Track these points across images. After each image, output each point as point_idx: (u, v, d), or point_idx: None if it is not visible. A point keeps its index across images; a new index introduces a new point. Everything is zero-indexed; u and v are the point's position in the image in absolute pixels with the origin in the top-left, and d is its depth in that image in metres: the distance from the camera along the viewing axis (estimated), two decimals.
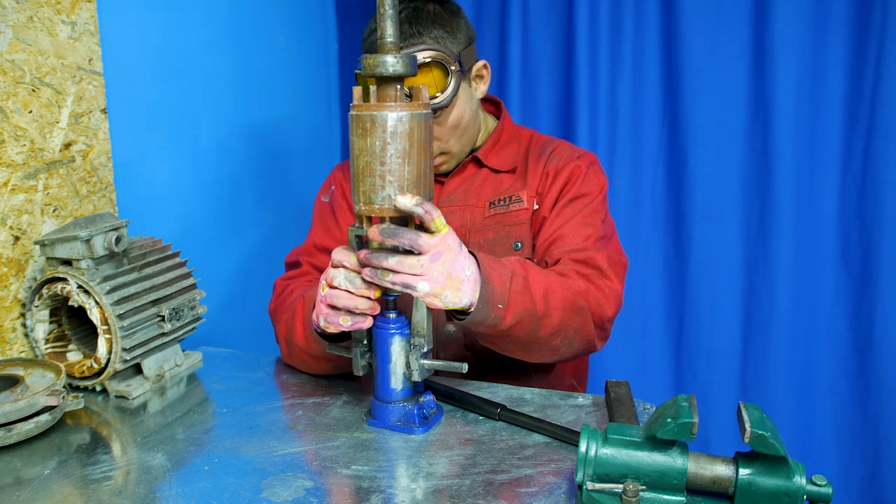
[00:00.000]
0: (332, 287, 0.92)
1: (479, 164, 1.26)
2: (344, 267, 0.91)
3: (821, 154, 1.71)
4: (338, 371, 1.13)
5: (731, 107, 1.75)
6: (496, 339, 1.01)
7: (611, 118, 1.86)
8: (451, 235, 0.89)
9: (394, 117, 0.84)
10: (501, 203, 1.22)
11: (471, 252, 0.95)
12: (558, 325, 1.00)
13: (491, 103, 1.35)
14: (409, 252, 0.87)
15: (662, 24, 1.79)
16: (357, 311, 0.91)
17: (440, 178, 1.27)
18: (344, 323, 0.92)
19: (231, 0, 1.60)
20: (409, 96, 0.95)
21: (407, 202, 0.86)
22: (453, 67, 1.12)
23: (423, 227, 0.90)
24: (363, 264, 0.90)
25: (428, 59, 1.10)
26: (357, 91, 0.87)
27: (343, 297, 0.91)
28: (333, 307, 0.92)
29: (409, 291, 0.88)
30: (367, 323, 0.93)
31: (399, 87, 0.87)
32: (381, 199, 0.87)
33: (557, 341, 1.02)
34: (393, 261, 0.87)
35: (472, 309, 0.92)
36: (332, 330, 0.94)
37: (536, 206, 1.21)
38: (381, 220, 0.89)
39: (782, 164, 1.70)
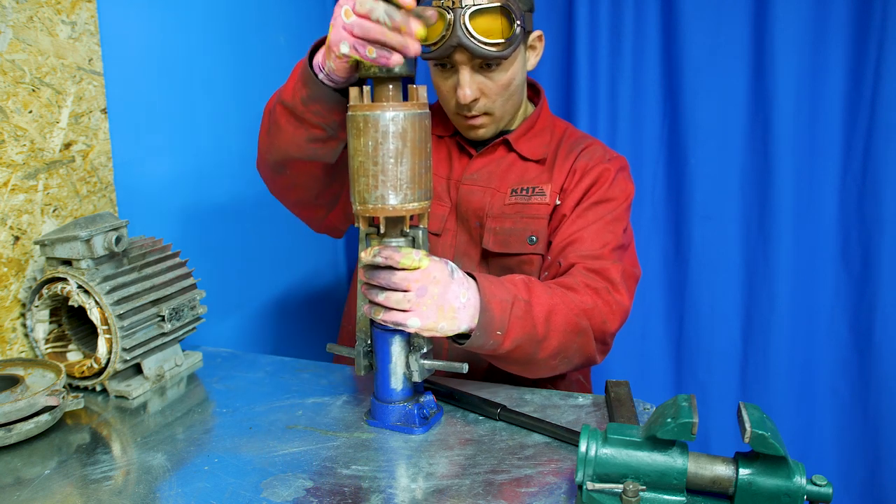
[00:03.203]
0: (363, 16, 0.82)
1: (509, 147, 1.25)
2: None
3: (821, 154, 1.71)
4: (309, 147, 1.05)
5: (731, 107, 1.75)
6: (493, 358, 1.01)
7: (611, 118, 1.86)
8: (435, 266, 0.88)
9: (387, 117, 0.84)
10: (524, 192, 1.21)
11: (470, 274, 0.95)
12: (558, 348, 0.99)
13: (531, 88, 1.33)
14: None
15: (662, 24, 1.79)
16: (388, 45, 0.83)
17: (471, 149, 1.26)
18: (370, 54, 0.83)
19: (231, 0, 1.60)
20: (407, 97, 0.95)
21: (367, 258, 0.87)
22: (518, 22, 1.09)
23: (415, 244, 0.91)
24: (364, 294, 0.91)
25: (498, 4, 1.06)
26: (353, 91, 0.87)
27: (376, 31, 0.82)
28: (362, 38, 0.83)
29: (401, 328, 0.89)
30: (396, 59, 0.84)
31: (392, 87, 0.87)
32: (374, 200, 0.87)
33: (556, 361, 1.02)
34: (382, 296, 0.87)
35: (472, 335, 0.92)
36: (346, 58, 0.86)
37: (558, 202, 1.19)
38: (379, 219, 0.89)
39: (782, 164, 1.70)
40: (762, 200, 1.75)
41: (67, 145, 1.18)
